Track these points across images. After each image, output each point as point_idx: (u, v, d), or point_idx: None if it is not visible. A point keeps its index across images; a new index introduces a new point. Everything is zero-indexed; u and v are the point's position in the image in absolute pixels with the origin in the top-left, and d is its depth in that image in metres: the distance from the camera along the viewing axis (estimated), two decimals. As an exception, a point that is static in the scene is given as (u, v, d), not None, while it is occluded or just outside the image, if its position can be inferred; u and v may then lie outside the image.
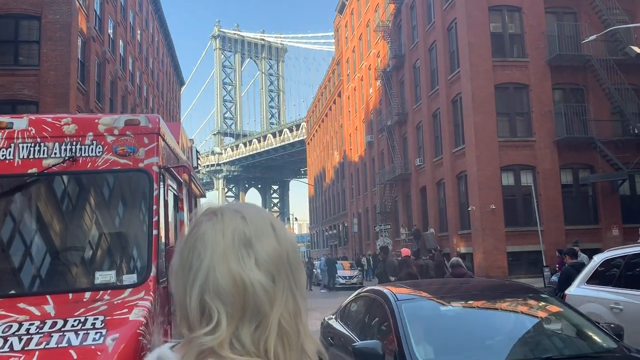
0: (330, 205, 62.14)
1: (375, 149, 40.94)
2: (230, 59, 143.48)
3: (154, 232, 3.40)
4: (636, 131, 23.24)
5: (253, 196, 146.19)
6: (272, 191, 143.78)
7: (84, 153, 3.50)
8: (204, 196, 6.64)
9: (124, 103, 33.54)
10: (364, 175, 45.29)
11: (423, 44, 30.18)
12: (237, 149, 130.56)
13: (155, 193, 3.44)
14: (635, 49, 17.44)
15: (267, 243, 0.91)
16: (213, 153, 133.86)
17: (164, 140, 3.70)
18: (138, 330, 2.85)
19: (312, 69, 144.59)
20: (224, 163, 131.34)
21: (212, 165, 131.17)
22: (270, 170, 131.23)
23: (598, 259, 6.78)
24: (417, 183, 31.50)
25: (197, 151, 6.34)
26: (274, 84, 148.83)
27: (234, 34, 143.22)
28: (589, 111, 23.77)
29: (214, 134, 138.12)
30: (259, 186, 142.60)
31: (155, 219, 3.42)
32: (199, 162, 6.55)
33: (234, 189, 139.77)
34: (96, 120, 3.59)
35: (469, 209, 23.89)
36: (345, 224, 52.81)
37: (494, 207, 22.74)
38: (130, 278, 3.30)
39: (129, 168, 3.49)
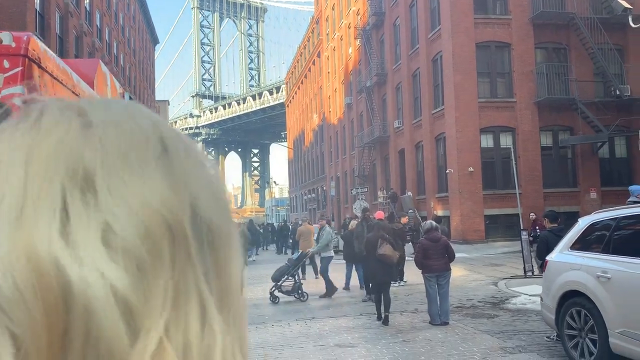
0: (309, 168, 61.39)
1: (355, 111, 40.02)
2: (208, 19, 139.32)
3: None
4: (618, 92, 22.70)
5: (233, 160, 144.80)
6: (252, 155, 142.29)
7: None
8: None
9: (90, 60, 31.90)
10: (343, 138, 44.45)
11: (404, 1, 28.99)
12: (216, 112, 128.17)
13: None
14: (623, 2, 16.64)
15: (139, 185, 0.35)
16: (191, 116, 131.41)
17: (40, 67, 2.82)
18: None
19: (292, 29, 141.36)
20: (202, 126, 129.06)
21: (191, 128, 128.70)
22: (251, 133, 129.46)
23: (583, 222, 6.16)
24: (396, 145, 30.85)
25: (130, 99, 5.42)
26: (253, 45, 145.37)
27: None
28: (571, 71, 23.10)
29: (192, 96, 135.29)
30: (239, 150, 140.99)
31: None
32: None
33: (213, 152, 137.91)
34: (-62, 39, 2.69)
35: (447, 171, 23.35)
36: (324, 188, 52.24)
37: (472, 169, 22.22)
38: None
39: None
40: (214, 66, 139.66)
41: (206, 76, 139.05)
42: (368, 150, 35.78)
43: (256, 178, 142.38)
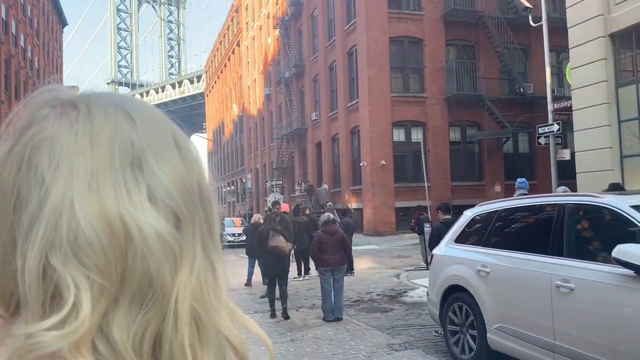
0: (228, 160, 60.10)
1: (274, 102, 39.45)
2: (125, 3, 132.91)
3: None
4: (521, 90, 23.71)
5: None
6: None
7: None
8: None
9: (-17, 39, 29.14)
10: (262, 129, 43.76)
11: (321, -8, 28.75)
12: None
13: None
14: (524, 2, 17.28)
15: (169, 164, 0.51)
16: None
17: None
18: None
19: (214, 17, 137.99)
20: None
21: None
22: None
23: (469, 214, 6.07)
24: (313, 138, 30.66)
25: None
26: (173, 32, 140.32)
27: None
28: (479, 69, 23.86)
29: (108, 83, 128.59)
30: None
31: None
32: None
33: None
34: None
35: (361, 164, 23.44)
36: (244, 180, 51.31)
37: (384, 162, 22.42)
38: None
39: None
40: (132, 52, 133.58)
41: (123, 62, 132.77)
42: (286, 142, 35.39)
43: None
